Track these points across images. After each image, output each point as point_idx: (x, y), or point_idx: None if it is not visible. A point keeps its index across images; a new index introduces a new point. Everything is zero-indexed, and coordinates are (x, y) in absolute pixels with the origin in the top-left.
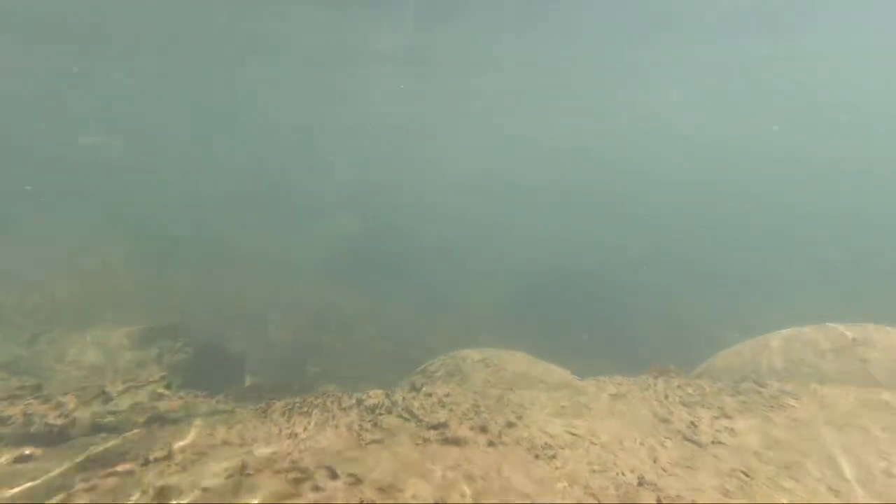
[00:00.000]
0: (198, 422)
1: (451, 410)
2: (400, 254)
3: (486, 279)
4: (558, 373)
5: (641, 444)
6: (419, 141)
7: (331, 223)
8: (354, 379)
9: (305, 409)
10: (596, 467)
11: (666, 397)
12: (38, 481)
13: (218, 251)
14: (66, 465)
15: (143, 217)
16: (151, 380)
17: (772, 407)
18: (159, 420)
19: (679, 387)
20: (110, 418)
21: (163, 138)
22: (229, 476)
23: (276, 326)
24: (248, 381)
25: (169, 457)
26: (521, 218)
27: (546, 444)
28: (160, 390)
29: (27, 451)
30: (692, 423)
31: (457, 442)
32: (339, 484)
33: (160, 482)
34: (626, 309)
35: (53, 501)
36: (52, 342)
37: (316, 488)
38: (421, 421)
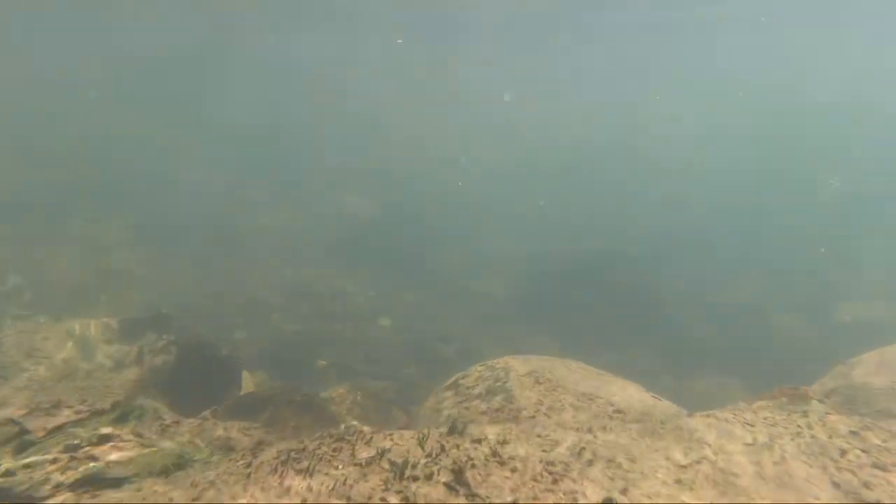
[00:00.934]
0: (148, 485)
1: (516, 472)
2: (416, 237)
3: (508, 265)
4: (631, 391)
5: None
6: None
7: (342, 200)
8: (368, 375)
9: (306, 462)
10: None
11: (843, 454)
12: None
13: (221, 229)
14: None
15: (140, 189)
16: (99, 408)
17: None
18: (93, 482)
19: (853, 432)
20: (21, 478)
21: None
22: None
23: (282, 314)
24: (245, 383)
25: None
26: (541, 196)
27: None
28: (105, 430)
29: None
30: None
31: None
32: None
33: None
34: (660, 293)
35: None
36: (23, 332)
37: None
38: (475, 496)
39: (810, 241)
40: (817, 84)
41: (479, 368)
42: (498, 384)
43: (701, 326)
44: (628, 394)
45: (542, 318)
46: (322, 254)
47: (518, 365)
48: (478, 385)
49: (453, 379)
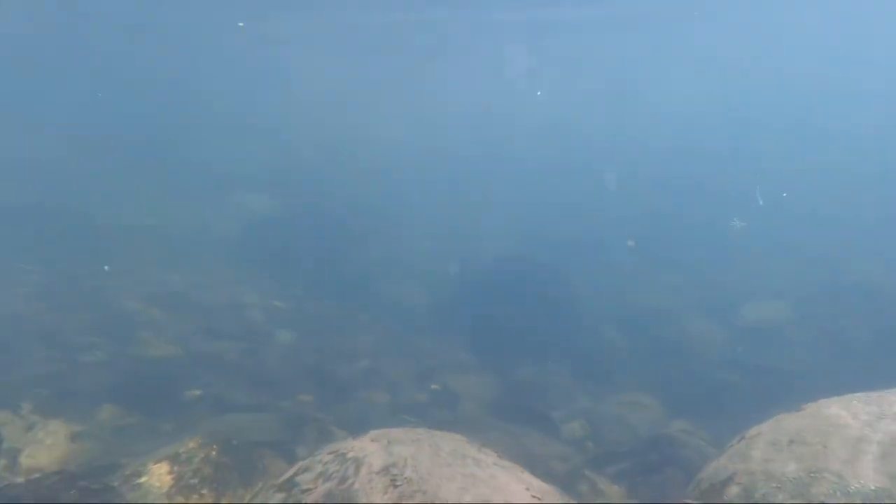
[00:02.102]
0: None
1: None
2: (328, 241)
3: (428, 271)
4: (510, 490)
5: None
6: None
7: (242, 200)
8: (248, 409)
9: None
10: None
11: None
12: None
13: (79, 225)
14: None
15: None
16: None
17: None
18: None
19: None
20: None
21: None
22: None
23: (153, 331)
24: (50, 439)
25: None
26: (463, 197)
27: None
28: None
29: None
30: None
31: None
32: None
33: None
34: (578, 301)
35: None
36: None
37: None
38: None
39: (718, 240)
40: (723, 87)
41: (327, 458)
42: (342, 487)
43: (616, 335)
44: (503, 496)
45: (460, 329)
46: (214, 259)
47: (375, 454)
48: (317, 486)
49: (291, 472)
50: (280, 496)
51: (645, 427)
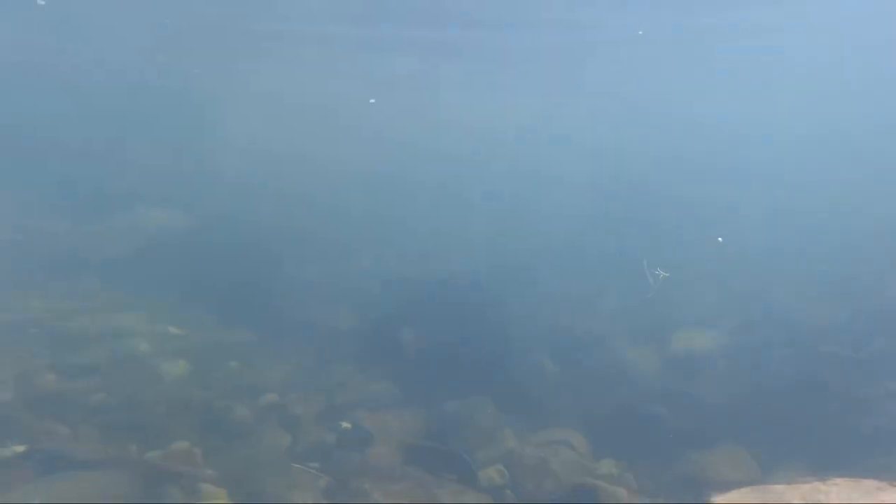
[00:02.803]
0: None
1: None
2: (241, 259)
3: (350, 291)
4: None
5: None
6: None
7: (139, 213)
8: (95, 466)
9: None
10: None
11: None
12: None
13: None
14: None
15: None
16: None
17: None
18: None
19: None
20: None
21: None
22: None
23: None
24: None
25: None
26: (396, 210)
27: None
28: None
29: None
30: None
31: None
32: None
33: None
34: (508, 326)
35: None
36: None
37: None
38: None
39: (652, 265)
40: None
41: None
42: None
43: (548, 363)
44: None
45: (385, 357)
46: (97, 282)
47: None
48: None
49: None
50: None
51: (569, 471)
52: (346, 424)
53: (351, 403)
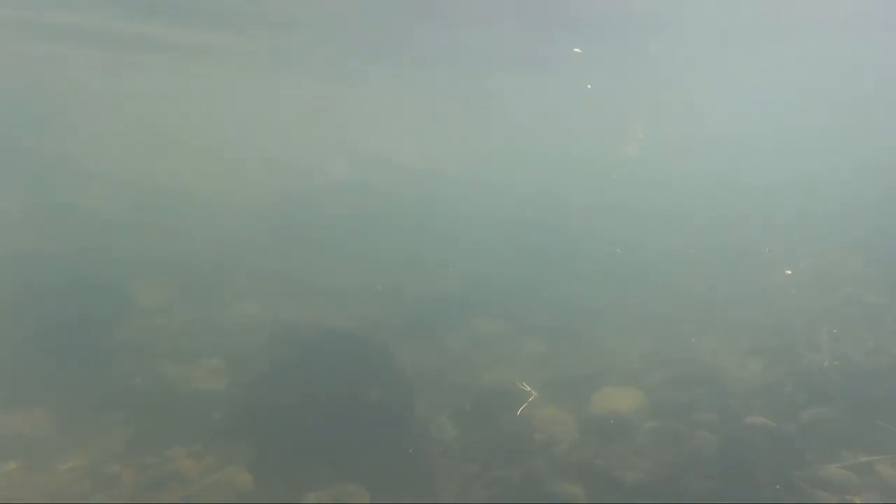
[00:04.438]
0: None
1: None
2: (89, 298)
3: (228, 342)
4: None
5: None
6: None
7: None
8: None
9: None
10: None
11: None
12: None
13: None
14: None
15: None
16: None
17: None
18: None
19: None
20: None
21: None
22: None
23: None
24: None
25: None
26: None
27: None
28: None
29: None
30: None
31: None
32: None
33: None
34: (405, 383)
35: None
36: None
37: None
38: None
39: (575, 315)
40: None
41: None
42: None
43: (449, 430)
44: None
45: (248, 431)
46: None
47: None
48: None
49: None
50: None
51: None
52: None
53: (192, 496)
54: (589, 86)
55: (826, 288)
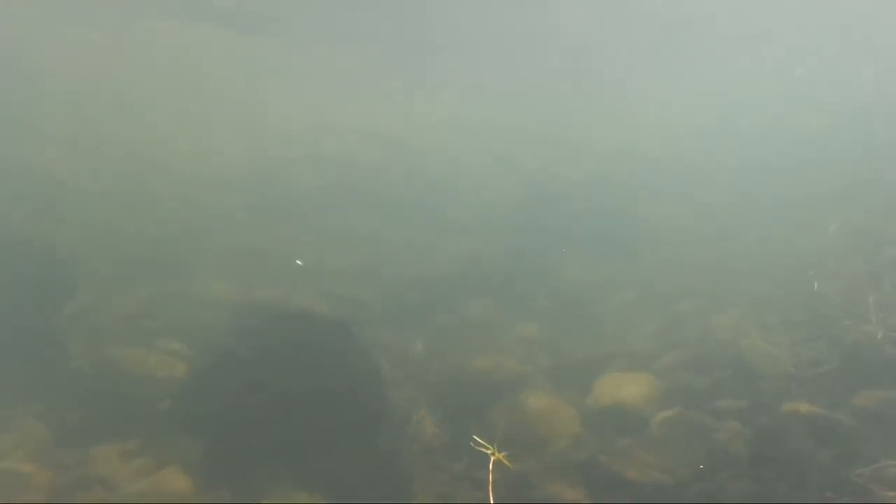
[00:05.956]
0: None
1: None
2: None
3: (189, 332)
4: None
5: None
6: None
7: None
8: None
9: None
10: None
11: None
12: None
13: None
14: None
15: None
16: None
17: None
18: None
19: None
20: None
21: None
22: None
23: None
24: None
25: None
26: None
27: None
28: None
29: None
30: None
31: None
32: None
33: None
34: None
35: None
36: None
37: None
38: None
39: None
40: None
41: None
42: None
43: (429, 425)
44: None
45: (196, 429)
46: None
47: None
48: None
49: None
50: None
51: None
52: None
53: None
54: None
55: (866, 251)
